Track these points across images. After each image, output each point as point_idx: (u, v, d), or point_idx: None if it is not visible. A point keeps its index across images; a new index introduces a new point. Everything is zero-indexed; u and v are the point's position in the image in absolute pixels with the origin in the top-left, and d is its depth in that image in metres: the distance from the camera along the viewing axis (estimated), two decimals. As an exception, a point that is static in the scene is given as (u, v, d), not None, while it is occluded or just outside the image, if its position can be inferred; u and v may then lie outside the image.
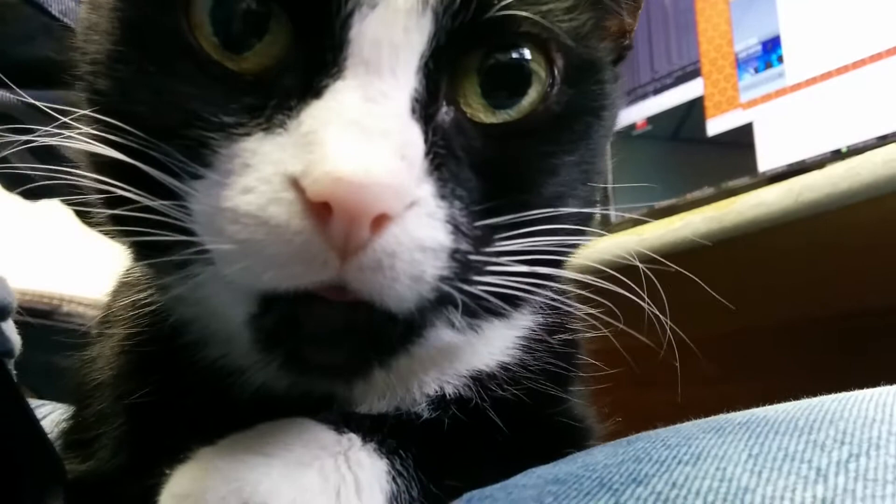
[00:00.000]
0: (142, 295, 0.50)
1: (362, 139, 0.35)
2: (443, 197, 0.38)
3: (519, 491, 0.39)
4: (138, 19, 0.42)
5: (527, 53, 0.42)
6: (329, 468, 0.40)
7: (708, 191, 1.40)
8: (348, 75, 0.37)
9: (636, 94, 1.58)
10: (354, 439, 0.42)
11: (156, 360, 0.50)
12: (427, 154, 0.38)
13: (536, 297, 0.46)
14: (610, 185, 1.52)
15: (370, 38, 0.37)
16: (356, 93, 0.37)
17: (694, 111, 1.47)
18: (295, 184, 0.35)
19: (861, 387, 0.45)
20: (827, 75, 1.25)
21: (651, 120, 1.56)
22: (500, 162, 0.41)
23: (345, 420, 0.44)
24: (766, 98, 1.34)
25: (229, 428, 0.42)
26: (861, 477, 0.34)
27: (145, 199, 0.39)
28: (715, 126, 1.43)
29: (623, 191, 1.54)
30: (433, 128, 0.39)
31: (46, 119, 0.46)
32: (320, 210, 0.34)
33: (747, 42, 1.38)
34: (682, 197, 1.44)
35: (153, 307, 0.49)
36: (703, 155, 1.46)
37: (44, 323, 1.01)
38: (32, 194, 0.81)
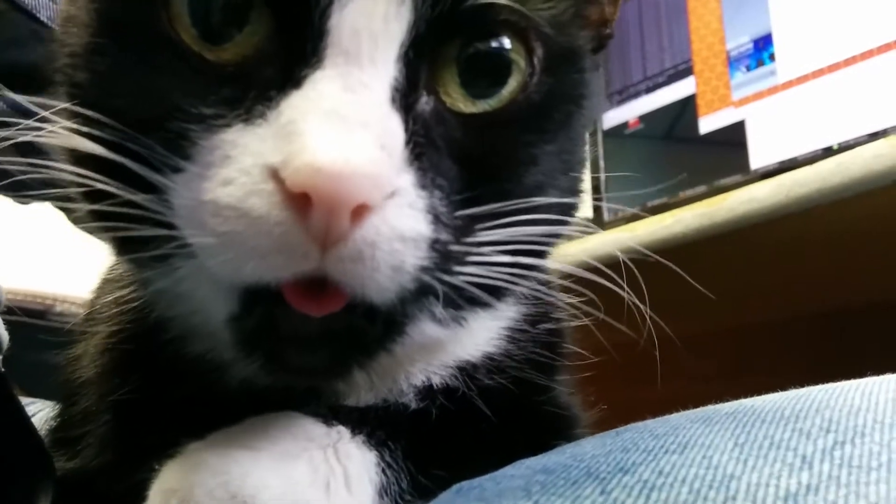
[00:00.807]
0: (125, 291, 0.49)
1: (342, 129, 0.35)
2: (423, 187, 0.38)
3: (507, 481, 0.39)
4: (116, 11, 0.41)
5: (506, 42, 0.41)
6: (318, 460, 0.40)
7: (701, 189, 1.41)
8: (328, 65, 0.37)
9: (628, 93, 1.59)
10: (343, 431, 0.42)
11: (140, 357, 0.49)
12: (407, 143, 0.38)
13: (519, 287, 0.46)
14: (602, 183, 1.54)
15: (349, 28, 0.37)
16: (336, 82, 0.36)
17: (686, 109, 1.48)
18: (275, 175, 0.35)
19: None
20: (819, 73, 1.26)
21: (643, 118, 1.56)
22: (481, 151, 0.41)
23: (333, 413, 0.44)
24: (758, 96, 1.35)
25: (216, 422, 0.42)
26: (846, 464, 0.34)
27: (125, 193, 0.38)
28: (707, 124, 1.44)
29: (615, 188, 1.56)
30: (413, 117, 0.38)
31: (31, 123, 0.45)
32: (300, 201, 0.34)
33: (739, 40, 1.39)
34: (674, 195, 1.45)
35: (136, 303, 0.48)
36: (696, 153, 1.47)
37: (37, 323, 1.02)
38: (21, 194, 0.81)
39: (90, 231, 0.57)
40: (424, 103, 0.39)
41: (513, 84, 0.42)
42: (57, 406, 0.59)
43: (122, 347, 0.50)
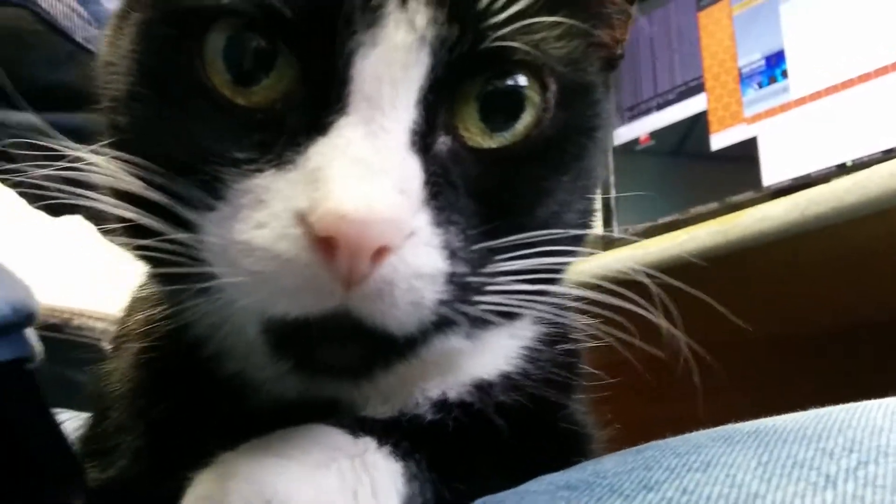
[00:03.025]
0: (157, 310, 0.51)
1: (365, 175, 0.37)
2: (438, 224, 0.40)
3: (531, 497, 0.40)
4: (154, 61, 0.44)
5: (522, 80, 0.43)
6: (346, 470, 0.41)
7: (712, 205, 1.41)
8: (351, 111, 0.39)
9: (639, 110, 1.59)
10: (370, 442, 0.44)
11: (172, 374, 0.51)
12: (425, 184, 0.39)
13: (536, 311, 0.48)
14: (613, 200, 1.54)
15: (371, 75, 0.39)
16: (358, 129, 0.38)
17: (697, 126, 1.48)
18: (302, 219, 0.37)
19: (868, 398, 0.45)
20: (831, 89, 1.26)
21: (654, 135, 1.57)
22: (497, 186, 0.43)
23: (359, 424, 0.45)
24: (771, 113, 1.35)
25: (244, 436, 0.43)
26: (870, 483, 0.35)
27: (161, 228, 0.41)
28: (719, 141, 1.44)
29: (627, 205, 1.56)
30: (431, 157, 0.40)
31: (68, 141, 0.47)
32: (326, 244, 0.36)
33: (751, 57, 1.39)
34: (685, 212, 1.45)
35: (168, 321, 0.50)
36: (708, 169, 1.47)
37: (55, 336, 1.02)
38: (54, 210, 0.82)
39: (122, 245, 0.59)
40: (441, 143, 0.41)
41: (528, 119, 0.43)
42: (89, 418, 0.61)
43: (155, 364, 0.52)
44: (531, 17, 0.41)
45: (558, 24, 0.44)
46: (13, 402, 0.50)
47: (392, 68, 0.39)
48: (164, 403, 0.50)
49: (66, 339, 1.03)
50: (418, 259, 0.38)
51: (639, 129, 1.59)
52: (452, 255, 0.40)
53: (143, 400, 0.52)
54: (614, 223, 1.55)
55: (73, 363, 0.70)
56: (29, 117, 0.78)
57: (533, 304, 0.45)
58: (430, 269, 0.39)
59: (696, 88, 1.49)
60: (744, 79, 1.40)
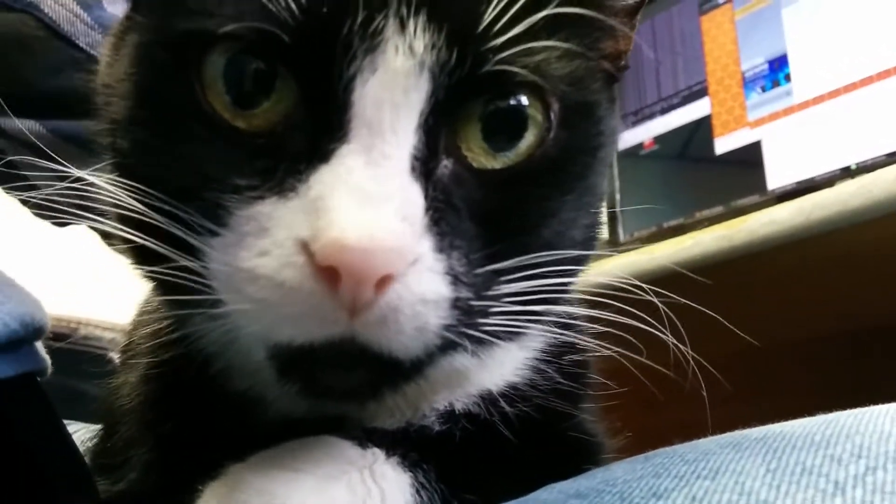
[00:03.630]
0: (163, 324, 0.51)
1: (366, 204, 0.37)
2: (441, 250, 0.40)
3: None
4: (152, 84, 0.44)
5: (524, 100, 0.43)
6: (356, 481, 0.41)
7: (717, 209, 1.41)
8: (352, 138, 0.39)
9: (643, 114, 1.59)
10: (378, 453, 0.44)
11: (181, 389, 0.51)
12: (427, 210, 0.39)
13: (541, 330, 0.48)
14: (618, 205, 1.54)
15: (372, 100, 0.39)
16: (360, 157, 0.38)
17: (701, 130, 1.48)
18: (305, 248, 0.37)
19: (875, 403, 0.45)
20: (835, 93, 1.26)
21: (658, 139, 1.57)
22: (500, 209, 0.43)
23: (368, 435, 0.45)
24: (774, 116, 1.35)
25: (253, 449, 0.43)
26: (879, 490, 0.35)
27: (167, 253, 0.41)
28: (723, 145, 1.44)
29: (632, 210, 1.56)
30: (433, 183, 0.40)
31: (71, 149, 0.47)
32: (329, 273, 0.36)
33: (754, 61, 1.39)
34: (690, 216, 1.45)
35: (175, 336, 0.50)
36: (712, 174, 1.47)
37: (62, 346, 1.02)
38: (60, 221, 0.82)
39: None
40: (444, 167, 0.41)
41: (530, 139, 0.43)
42: (99, 432, 0.61)
43: (164, 379, 0.52)
44: (531, 39, 0.41)
45: (559, 45, 0.43)
46: (25, 415, 0.50)
47: (392, 93, 0.39)
48: (173, 417, 0.51)
49: (73, 350, 1.03)
50: (422, 286, 0.38)
51: (643, 133, 1.59)
52: (456, 279, 0.40)
53: (152, 414, 0.52)
54: (619, 228, 1.55)
55: (81, 373, 0.70)
56: (30, 124, 0.78)
57: (537, 324, 0.45)
58: (434, 295, 0.39)
59: (699, 93, 1.49)
60: (747, 83, 1.40)
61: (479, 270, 0.41)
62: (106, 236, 0.68)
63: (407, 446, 0.45)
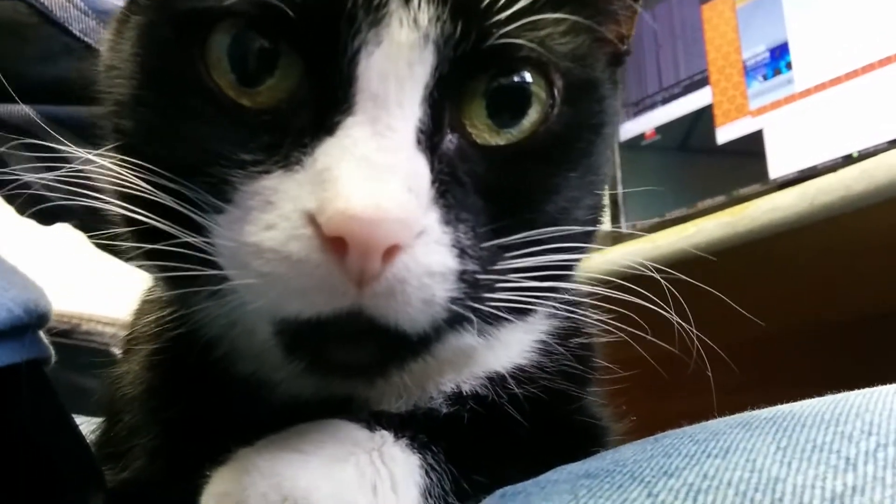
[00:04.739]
0: (166, 311, 0.51)
1: (372, 175, 0.37)
2: (448, 223, 0.40)
3: (552, 486, 0.40)
4: (157, 64, 0.44)
5: (528, 76, 0.43)
6: (364, 463, 0.41)
7: (719, 199, 1.40)
8: (358, 110, 0.39)
9: (644, 104, 1.59)
10: (386, 436, 0.44)
11: (185, 374, 0.51)
12: (433, 183, 0.40)
13: (548, 307, 0.48)
14: (620, 195, 1.54)
15: (377, 74, 0.39)
16: (365, 128, 0.38)
17: (703, 120, 1.48)
18: (312, 220, 0.37)
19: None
20: (836, 81, 1.26)
21: (660, 129, 1.56)
22: (505, 184, 0.43)
23: (376, 418, 0.45)
24: (776, 105, 1.35)
25: (260, 433, 0.43)
26: (890, 465, 0.35)
27: (173, 231, 0.41)
28: (724, 134, 1.44)
29: (634, 200, 1.56)
30: (438, 156, 0.40)
31: (64, 133, 0.47)
32: (337, 244, 0.36)
33: (755, 49, 1.39)
34: (693, 206, 1.44)
35: (179, 323, 0.50)
36: (714, 163, 1.47)
37: (63, 342, 1.02)
38: (45, 217, 0.82)
39: (113, 254, 0.59)
40: (449, 141, 0.41)
41: (534, 115, 0.43)
42: (102, 423, 0.61)
43: (167, 365, 0.52)
44: (535, 13, 0.41)
45: (563, 20, 0.43)
46: (31, 403, 0.50)
47: (397, 66, 0.39)
48: (178, 403, 0.50)
49: (74, 345, 1.03)
50: (429, 257, 0.39)
51: (644, 123, 1.58)
52: (462, 252, 0.40)
53: (156, 400, 0.52)
54: (622, 219, 1.55)
55: (82, 369, 0.70)
56: (22, 109, 0.77)
57: (544, 301, 0.45)
58: (441, 267, 0.39)
59: (700, 82, 1.49)
60: (748, 71, 1.40)
61: (486, 244, 0.41)
62: (92, 235, 0.68)
63: (415, 428, 0.45)
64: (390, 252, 0.37)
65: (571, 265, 0.48)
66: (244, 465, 0.40)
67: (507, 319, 0.44)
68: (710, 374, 0.54)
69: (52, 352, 0.54)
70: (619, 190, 1.56)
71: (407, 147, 0.39)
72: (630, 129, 1.61)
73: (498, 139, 0.43)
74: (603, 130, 0.48)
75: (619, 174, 1.58)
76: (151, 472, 0.51)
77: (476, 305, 0.41)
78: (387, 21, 0.39)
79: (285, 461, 0.40)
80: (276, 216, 0.38)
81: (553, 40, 0.43)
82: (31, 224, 0.87)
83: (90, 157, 0.45)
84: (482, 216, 0.42)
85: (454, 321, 0.42)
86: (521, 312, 0.45)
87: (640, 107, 1.59)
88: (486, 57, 0.41)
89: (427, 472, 0.43)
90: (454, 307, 0.40)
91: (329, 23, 0.39)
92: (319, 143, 0.38)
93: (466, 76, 0.41)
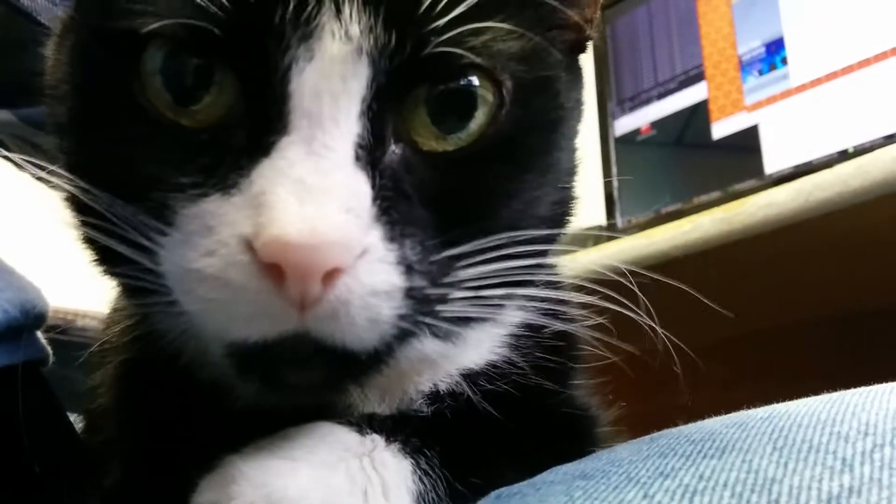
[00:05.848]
0: (132, 321, 0.50)
1: (307, 198, 0.36)
2: (392, 239, 0.39)
3: (547, 487, 0.40)
4: (92, 85, 0.43)
5: (473, 80, 0.41)
6: (355, 469, 0.40)
7: (715, 194, 1.40)
8: (293, 130, 0.38)
9: (640, 100, 1.59)
10: (378, 440, 0.43)
11: (155, 383, 0.50)
12: (375, 200, 0.38)
13: (513, 307, 0.47)
14: (616, 190, 1.53)
15: (310, 90, 0.38)
16: (300, 148, 0.37)
17: (698, 115, 1.48)
18: (249, 246, 0.36)
19: (875, 384, 0.45)
20: (832, 76, 1.26)
21: (655, 125, 1.56)
22: (455, 192, 0.42)
23: (366, 422, 0.44)
24: (772, 100, 1.35)
25: (237, 437, 0.42)
26: (886, 466, 0.35)
27: (126, 252, 0.40)
28: (720, 129, 1.44)
29: (629, 195, 1.56)
30: (380, 171, 0.39)
31: (41, 137, 0.46)
32: (274, 270, 0.36)
33: (750, 44, 1.39)
34: (688, 201, 1.45)
35: (144, 332, 0.49)
36: (709, 159, 1.47)
37: (59, 338, 1.02)
38: None
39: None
40: (392, 153, 0.40)
41: (481, 118, 0.42)
42: (83, 432, 0.60)
43: (136, 374, 0.51)
44: (476, 19, 0.39)
45: (508, 18, 0.41)
46: (28, 404, 0.50)
47: (330, 82, 0.38)
48: (151, 412, 0.50)
49: (70, 341, 1.02)
50: (372, 277, 0.38)
51: (640, 119, 1.58)
52: (409, 269, 0.39)
53: (129, 409, 0.52)
54: (617, 214, 1.55)
55: (78, 365, 0.70)
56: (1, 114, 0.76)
57: (504, 305, 0.45)
58: (386, 286, 0.38)
59: (696, 77, 1.49)
60: (744, 66, 1.40)
61: (435, 257, 0.40)
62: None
63: (408, 432, 0.44)
64: (331, 275, 0.36)
65: (533, 268, 0.46)
66: (231, 473, 0.39)
67: (470, 322, 0.44)
68: (682, 370, 0.53)
69: (50, 352, 0.53)
70: (615, 185, 1.56)
71: (344, 166, 0.38)
72: (625, 124, 1.60)
73: (445, 145, 0.41)
74: (560, 128, 0.47)
75: (614, 169, 1.58)
76: (130, 481, 0.50)
77: (426, 320, 0.41)
78: (318, 34, 0.37)
79: (274, 469, 0.39)
80: (214, 241, 0.37)
81: (497, 43, 0.41)
82: (27, 219, 0.86)
83: (44, 175, 0.44)
84: (431, 228, 0.40)
85: (404, 336, 0.41)
86: (479, 319, 0.44)
87: (636, 102, 1.59)
88: (425, 65, 0.39)
89: (420, 478, 0.42)
90: (402, 324, 0.39)
91: (258, 39, 0.37)
92: (255, 165, 0.37)
93: (406, 86, 0.40)
